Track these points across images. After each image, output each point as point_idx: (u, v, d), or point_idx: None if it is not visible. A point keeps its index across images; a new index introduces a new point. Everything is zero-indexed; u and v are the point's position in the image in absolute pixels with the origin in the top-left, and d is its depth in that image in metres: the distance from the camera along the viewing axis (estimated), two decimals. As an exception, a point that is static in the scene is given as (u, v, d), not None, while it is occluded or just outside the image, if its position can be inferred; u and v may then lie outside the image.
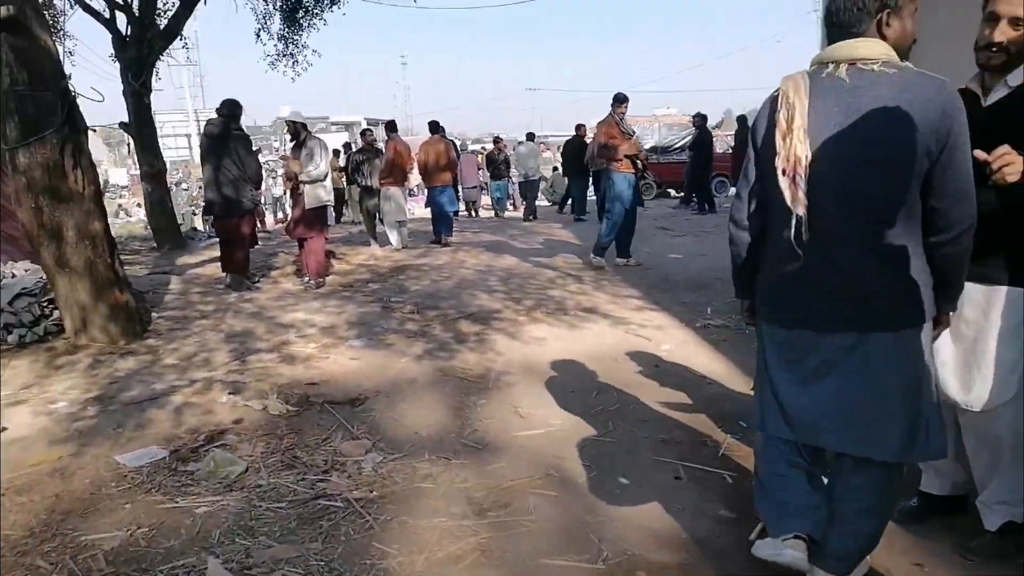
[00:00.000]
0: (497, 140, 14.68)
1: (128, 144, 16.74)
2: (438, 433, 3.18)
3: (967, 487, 2.25)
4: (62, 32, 9.47)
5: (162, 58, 9.57)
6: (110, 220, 5.14)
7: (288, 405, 3.50)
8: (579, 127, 12.84)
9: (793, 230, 1.67)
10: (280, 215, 16.90)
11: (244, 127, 6.69)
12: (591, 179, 11.83)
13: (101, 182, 5.49)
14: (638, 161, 6.86)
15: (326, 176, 6.45)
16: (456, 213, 10.18)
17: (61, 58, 4.50)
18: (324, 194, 6.51)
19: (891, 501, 1.89)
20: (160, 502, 2.58)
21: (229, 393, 3.67)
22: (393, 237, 8.89)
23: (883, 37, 1.66)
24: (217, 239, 7.15)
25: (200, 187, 13.80)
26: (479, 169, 14.78)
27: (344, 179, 12.18)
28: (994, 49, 1.85)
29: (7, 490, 2.69)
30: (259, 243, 7.81)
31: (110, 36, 8.87)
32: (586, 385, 3.72)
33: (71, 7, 9.30)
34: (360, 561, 2.18)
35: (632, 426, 3.16)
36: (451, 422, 3.31)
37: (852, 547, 1.86)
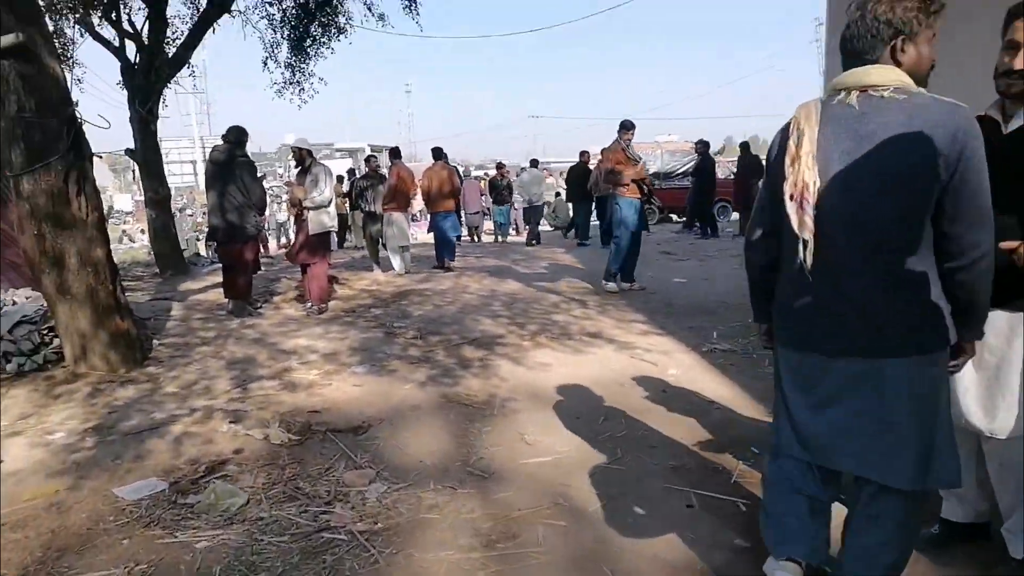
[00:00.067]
0: (500, 166, 14.78)
1: (133, 170, 16.89)
2: (443, 461, 3.11)
3: (990, 515, 2.20)
4: (71, 60, 9.59)
5: (169, 86, 9.70)
6: (113, 246, 5.14)
7: (290, 434, 3.43)
8: (583, 154, 12.95)
9: (800, 255, 1.67)
10: (284, 240, 16.96)
11: (249, 154, 6.72)
12: (594, 204, 11.89)
13: (105, 208, 5.50)
14: (644, 186, 6.88)
15: (330, 202, 6.47)
16: (459, 238, 10.20)
17: (69, 85, 4.52)
18: (328, 220, 6.51)
19: (911, 535, 1.84)
20: (159, 537, 2.51)
21: (230, 422, 3.61)
22: (396, 262, 8.89)
23: (898, 63, 1.65)
24: (220, 265, 7.15)
25: (204, 213, 13.84)
26: (482, 195, 14.85)
27: (347, 204, 12.25)
28: (1014, 77, 1.82)
29: (3, 526, 2.63)
30: (262, 268, 7.80)
31: (119, 64, 9.01)
32: (593, 411, 3.65)
33: (81, 35, 9.46)
34: (364, 597, 2.11)
35: (641, 453, 3.09)
36: (456, 450, 3.24)
37: None
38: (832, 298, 1.69)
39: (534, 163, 14.69)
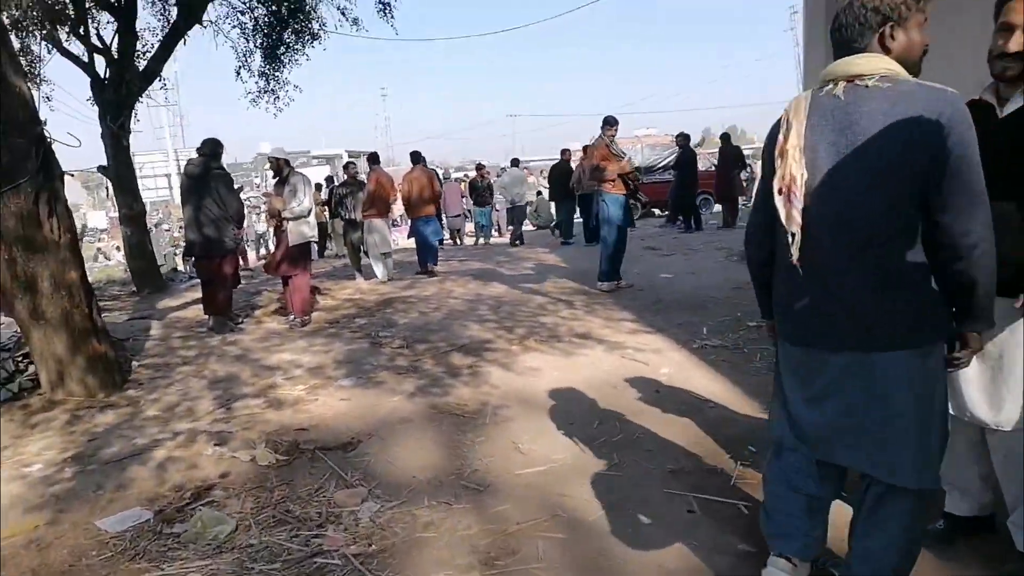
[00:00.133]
0: (480, 167, 14.70)
1: (107, 187, 16.57)
2: (436, 476, 3.04)
3: (994, 507, 2.17)
4: (39, 77, 9.36)
5: (141, 99, 9.50)
6: (89, 264, 5.01)
7: (277, 454, 3.34)
8: (564, 152, 12.92)
9: (789, 248, 1.66)
10: (263, 251, 16.75)
11: (225, 164, 6.59)
12: (577, 202, 11.86)
13: (79, 227, 5.36)
14: (630, 181, 6.83)
15: (310, 212, 6.35)
16: (441, 242, 10.10)
17: (37, 104, 4.39)
18: (308, 230, 6.40)
19: (917, 537, 1.82)
20: (145, 570, 2.41)
21: (215, 444, 3.51)
22: (378, 269, 8.78)
23: (887, 51, 1.62)
24: (198, 280, 7.00)
25: (181, 227, 13.64)
26: (463, 197, 14.76)
27: (327, 213, 12.10)
28: (1008, 59, 1.79)
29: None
30: (242, 282, 7.66)
31: (88, 79, 8.81)
32: (586, 415, 3.60)
33: (49, 51, 9.24)
34: (361, 625, 2.04)
35: (638, 457, 3.05)
36: (449, 463, 3.17)
37: None
38: (822, 295, 1.69)
39: (515, 162, 14.60)
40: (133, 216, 9.03)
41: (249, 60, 10.40)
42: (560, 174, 12.24)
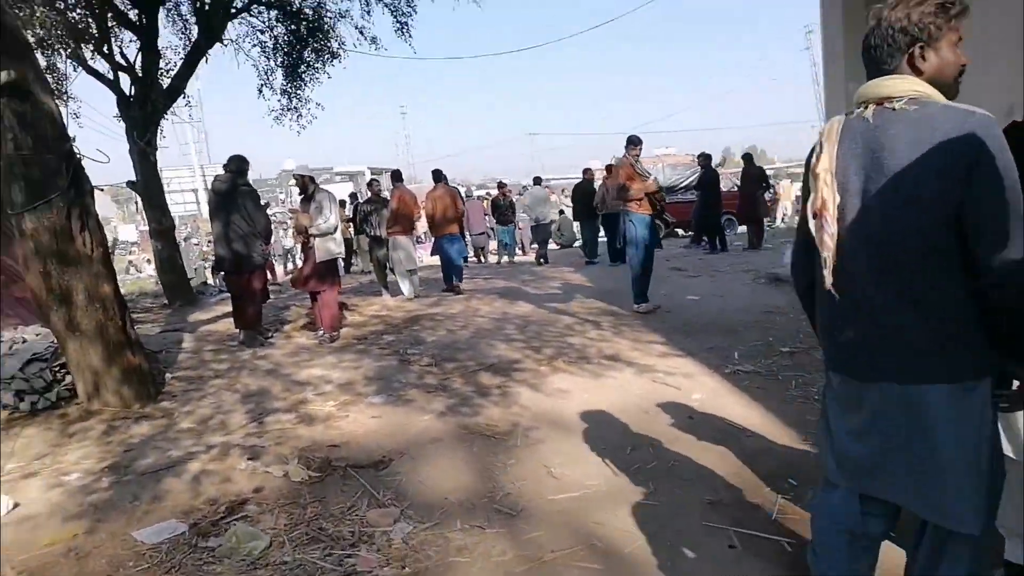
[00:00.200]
0: (502, 185, 14.75)
1: (136, 201, 16.88)
2: (468, 498, 3.02)
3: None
4: (66, 95, 9.60)
5: (166, 116, 9.69)
6: (120, 276, 5.10)
7: (310, 471, 3.34)
8: (586, 171, 12.91)
9: (824, 273, 1.64)
10: (291, 266, 16.93)
11: (251, 181, 6.69)
12: (600, 222, 11.84)
13: (110, 240, 5.47)
14: (656, 201, 6.79)
15: (336, 228, 6.42)
16: (465, 259, 10.12)
17: (66, 120, 4.51)
18: (334, 247, 6.47)
19: None
20: (181, 585, 2.42)
21: (248, 459, 3.53)
22: (405, 286, 8.83)
23: (918, 72, 1.57)
24: (228, 294, 7.09)
25: (209, 242, 13.85)
26: (485, 215, 14.81)
27: (352, 229, 12.22)
28: None
29: (20, 574, 2.54)
30: (271, 297, 7.74)
31: (115, 96, 9.02)
32: (618, 440, 3.56)
33: (75, 70, 9.47)
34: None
35: (674, 486, 2.99)
36: (481, 485, 3.15)
37: None
38: (857, 322, 1.65)
39: (537, 181, 14.56)
40: (163, 231, 9.20)
41: (271, 78, 10.58)
42: (583, 193, 12.23)
